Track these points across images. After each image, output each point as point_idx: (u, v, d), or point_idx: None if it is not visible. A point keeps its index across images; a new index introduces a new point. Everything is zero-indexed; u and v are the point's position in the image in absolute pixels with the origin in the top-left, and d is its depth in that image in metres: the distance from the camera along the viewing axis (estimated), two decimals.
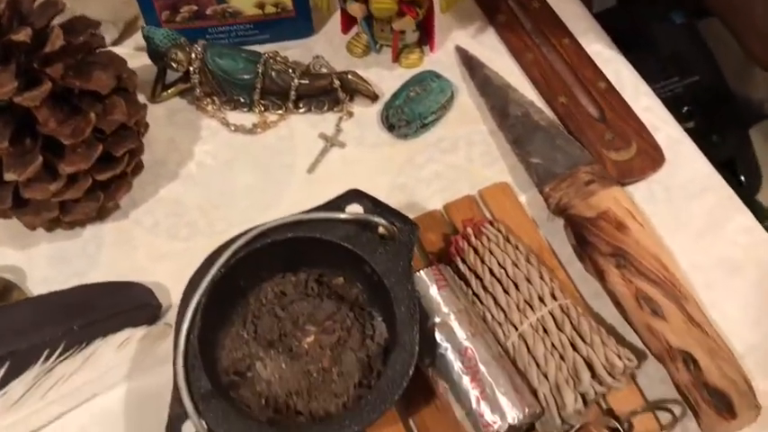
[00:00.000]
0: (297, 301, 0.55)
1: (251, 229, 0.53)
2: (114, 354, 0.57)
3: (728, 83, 1.02)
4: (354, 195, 0.55)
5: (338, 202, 0.55)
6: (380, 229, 0.53)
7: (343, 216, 0.53)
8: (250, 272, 0.54)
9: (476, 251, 0.57)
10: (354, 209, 0.54)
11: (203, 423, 0.46)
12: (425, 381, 0.53)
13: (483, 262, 0.56)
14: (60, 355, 0.56)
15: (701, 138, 0.69)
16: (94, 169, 0.59)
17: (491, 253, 0.56)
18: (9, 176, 0.55)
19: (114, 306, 0.59)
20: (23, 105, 0.53)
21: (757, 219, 0.63)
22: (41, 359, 0.56)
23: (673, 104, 0.73)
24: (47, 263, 0.63)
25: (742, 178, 0.90)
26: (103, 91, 0.57)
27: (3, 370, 0.55)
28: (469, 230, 0.58)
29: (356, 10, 0.68)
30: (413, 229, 0.53)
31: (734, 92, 1.01)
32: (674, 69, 1.00)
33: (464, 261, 0.58)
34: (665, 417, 0.54)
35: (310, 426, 0.49)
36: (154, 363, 0.58)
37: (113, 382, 0.57)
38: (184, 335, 0.49)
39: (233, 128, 0.70)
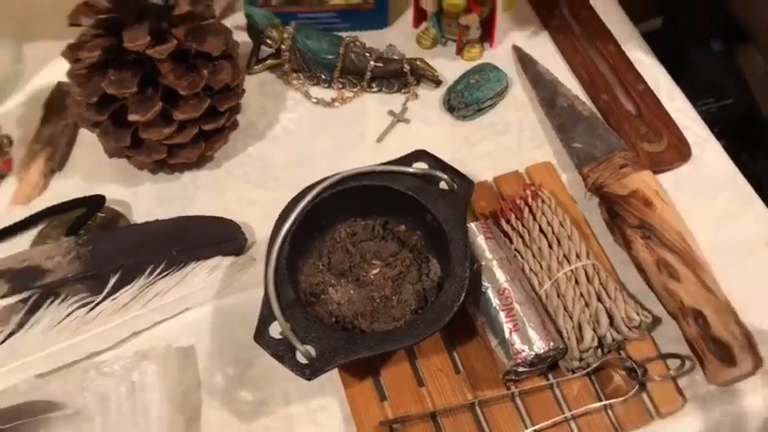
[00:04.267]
0: (365, 241, 0.65)
1: (333, 175, 0.63)
2: (205, 276, 0.67)
3: (760, 108, 1.09)
4: (420, 154, 0.64)
5: (406, 159, 0.64)
6: (441, 185, 0.63)
7: (411, 169, 0.63)
8: (329, 212, 0.64)
9: (530, 209, 0.66)
10: (420, 166, 0.64)
11: (288, 324, 0.56)
12: (468, 321, 0.62)
13: (534, 219, 0.65)
14: (161, 272, 0.66)
15: (731, 157, 0.75)
16: (201, 120, 0.69)
17: (542, 213, 0.65)
18: (132, 117, 0.66)
19: (207, 237, 0.69)
20: (152, 58, 0.64)
21: None
22: (145, 274, 0.66)
23: (706, 124, 0.78)
24: (150, 200, 0.74)
25: None
26: (215, 53, 0.68)
27: (114, 279, 0.65)
28: (528, 192, 0.67)
29: (429, 4, 0.78)
30: (469, 184, 0.62)
31: (765, 116, 1.08)
32: (709, 92, 1.08)
33: (509, 222, 0.67)
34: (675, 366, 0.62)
35: (372, 336, 0.58)
36: (238, 288, 0.68)
37: (203, 299, 0.67)
38: (275, 254, 0.59)
39: (314, 100, 0.80)
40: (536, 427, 0.59)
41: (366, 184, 0.63)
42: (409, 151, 0.66)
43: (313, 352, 0.55)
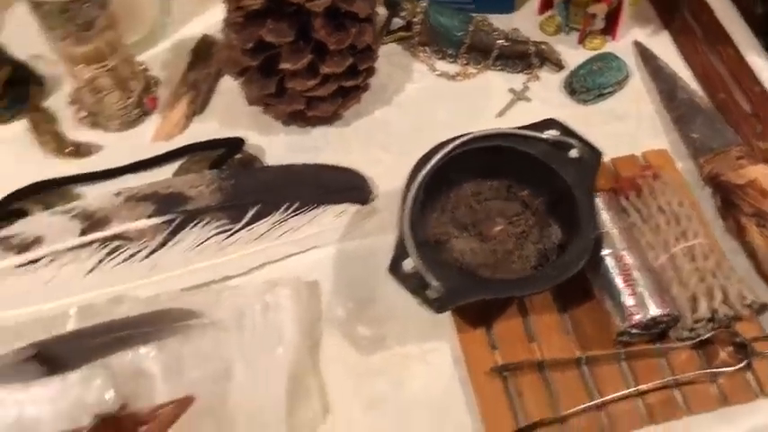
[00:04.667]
0: (490, 200, 0.68)
1: (466, 134, 0.67)
2: (333, 219, 0.72)
3: None
4: (550, 122, 0.68)
5: (536, 127, 0.68)
6: (571, 153, 0.66)
7: (543, 135, 0.66)
8: (457, 169, 0.68)
9: (651, 187, 0.69)
10: (551, 133, 0.67)
11: (420, 261, 0.59)
12: (581, 287, 0.65)
13: (655, 197, 0.68)
14: (294, 210, 0.71)
15: None
16: (342, 76, 0.74)
17: (662, 192, 0.68)
18: (284, 65, 0.71)
19: (337, 184, 0.74)
20: (308, 12, 0.69)
21: None
22: (280, 210, 0.71)
23: None
24: (280, 150, 0.79)
25: None
26: (361, 15, 0.73)
27: (252, 212, 0.70)
28: (649, 172, 0.70)
29: None
30: (598, 154, 0.66)
31: None
32: None
33: (627, 198, 0.70)
34: None
35: (497, 282, 0.61)
36: (360, 234, 0.73)
37: (329, 240, 0.72)
38: (411, 198, 0.63)
39: (438, 73, 0.85)
40: (640, 387, 0.61)
41: (498, 144, 0.67)
42: None
43: (441, 288, 0.58)
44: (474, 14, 0.84)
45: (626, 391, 0.61)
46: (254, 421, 0.59)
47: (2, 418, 0.59)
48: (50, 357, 0.61)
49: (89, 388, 0.56)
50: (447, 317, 0.67)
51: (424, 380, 0.64)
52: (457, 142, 0.67)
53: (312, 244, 0.71)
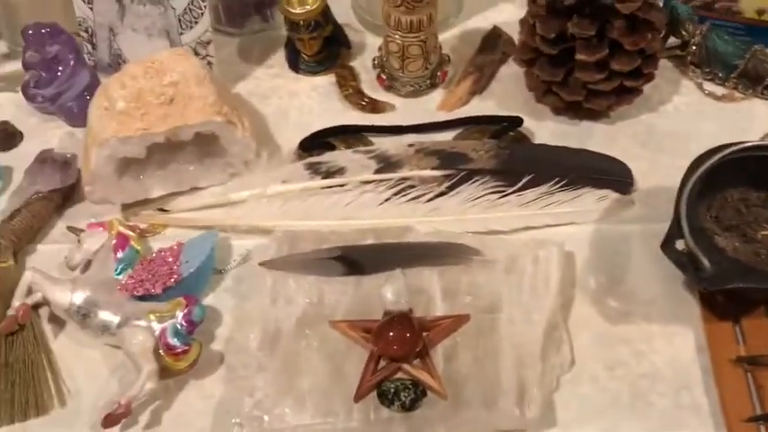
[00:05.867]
0: (757, 207, 0.73)
1: (744, 141, 0.72)
2: (594, 201, 0.79)
3: None
4: None
5: None
6: None
7: None
8: (730, 173, 0.73)
9: None
10: None
11: (693, 242, 0.65)
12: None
13: None
14: (561, 186, 0.79)
15: None
16: (626, 76, 0.81)
17: None
18: (580, 56, 0.79)
19: (603, 170, 0.81)
20: (613, 12, 0.77)
21: None
22: (549, 184, 0.79)
23: None
24: (548, 137, 0.87)
25: None
26: (657, 24, 0.80)
27: (524, 180, 0.79)
28: None
29: None
30: None
31: None
32: None
33: None
34: None
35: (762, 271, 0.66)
36: (617, 220, 0.79)
37: (587, 219, 0.79)
38: (688, 189, 0.69)
39: (706, 92, 0.90)
40: None
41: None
42: None
43: (712, 270, 0.64)
44: (753, 43, 0.88)
45: None
46: (515, 353, 0.67)
47: (304, 297, 0.71)
48: (351, 260, 0.72)
49: (387, 290, 0.66)
50: (694, 308, 0.72)
51: (666, 356, 0.69)
52: (734, 148, 0.72)
53: (571, 220, 0.78)
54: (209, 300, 0.75)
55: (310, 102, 0.93)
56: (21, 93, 0.92)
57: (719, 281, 0.63)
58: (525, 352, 0.67)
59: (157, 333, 0.68)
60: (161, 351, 0.68)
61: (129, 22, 0.89)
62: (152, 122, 0.75)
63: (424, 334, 0.65)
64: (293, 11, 0.89)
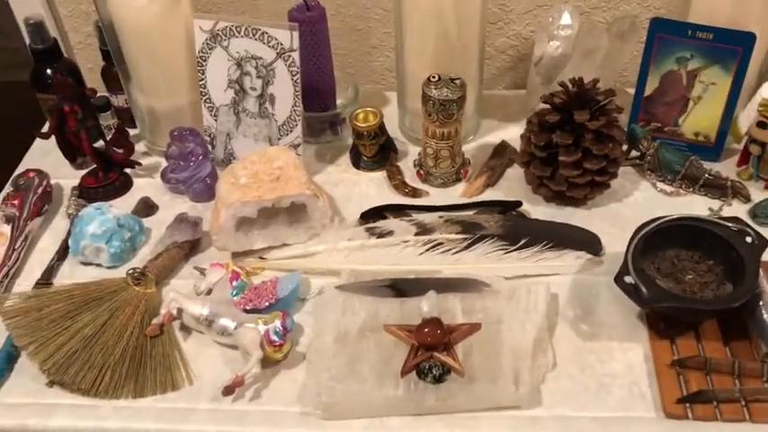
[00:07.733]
0: (686, 261, 1.03)
1: (667, 216, 1.03)
2: (573, 259, 1.09)
3: None
4: (736, 219, 1.02)
5: (725, 219, 1.02)
6: (746, 239, 0.99)
7: (730, 224, 1.01)
8: (663, 238, 1.03)
9: None
10: (734, 224, 1.01)
11: (635, 276, 0.95)
12: (743, 326, 0.96)
13: None
14: (548, 247, 1.10)
15: None
16: (596, 173, 1.14)
17: None
18: (562, 158, 1.13)
19: (579, 237, 1.12)
20: (583, 129, 1.11)
21: None
22: (539, 246, 1.10)
23: None
24: (540, 216, 1.19)
25: None
26: (617, 138, 1.14)
27: (521, 242, 1.10)
28: None
29: (755, 150, 1.18)
30: (765, 242, 0.98)
31: None
32: None
33: None
34: None
35: (683, 296, 0.95)
36: (589, 273, 1.09)
37: (567, 271, 1.09)
38: (634, 243, 0.99)
39: (658, 189, 1.22)
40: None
41: (696, 225, 1.02)
42: None
43: (648, 295, 0.93)
44: (691, 155, 1.22)
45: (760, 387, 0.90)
46: (512, 353, 0.95)
47: (365, 311, 1.01)
48: (398, 287, 1.03)
49: (423, 304, 0.96)
50: (643, 331, 1.00)
51: (623, 363, 0.97)
52: (669, 217, 1.03)
53: (556, 271, 1.09)
54: (295, 319, 1.05)
55: (368, 189, 1.27)
56: (159, 177, 1.27)
57: (654, 301, 0.93)
58: (520, 351, 0.95)
59: (262, 333, 0.98)
60: (265, 344, 0.97)
61: (242, 130, 1.25)
62: (264, 192, 1.09)
63: (449, 335, 0.94)
64: (360, 125, 1.25)
